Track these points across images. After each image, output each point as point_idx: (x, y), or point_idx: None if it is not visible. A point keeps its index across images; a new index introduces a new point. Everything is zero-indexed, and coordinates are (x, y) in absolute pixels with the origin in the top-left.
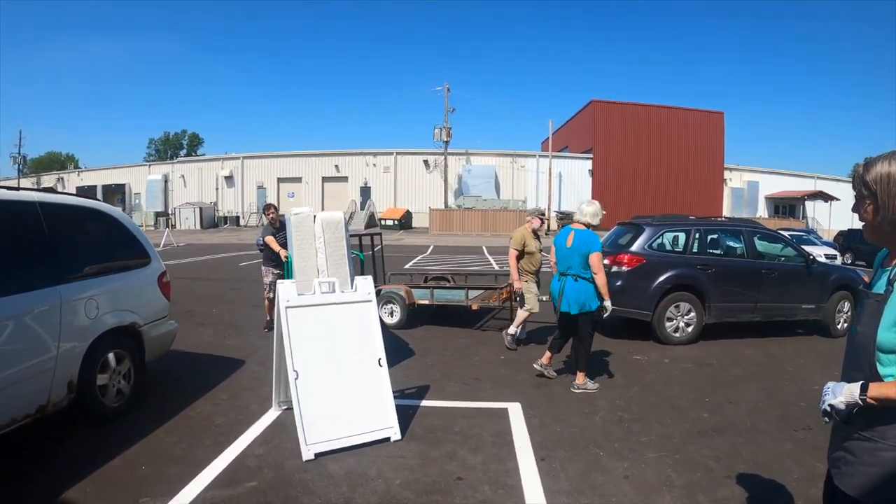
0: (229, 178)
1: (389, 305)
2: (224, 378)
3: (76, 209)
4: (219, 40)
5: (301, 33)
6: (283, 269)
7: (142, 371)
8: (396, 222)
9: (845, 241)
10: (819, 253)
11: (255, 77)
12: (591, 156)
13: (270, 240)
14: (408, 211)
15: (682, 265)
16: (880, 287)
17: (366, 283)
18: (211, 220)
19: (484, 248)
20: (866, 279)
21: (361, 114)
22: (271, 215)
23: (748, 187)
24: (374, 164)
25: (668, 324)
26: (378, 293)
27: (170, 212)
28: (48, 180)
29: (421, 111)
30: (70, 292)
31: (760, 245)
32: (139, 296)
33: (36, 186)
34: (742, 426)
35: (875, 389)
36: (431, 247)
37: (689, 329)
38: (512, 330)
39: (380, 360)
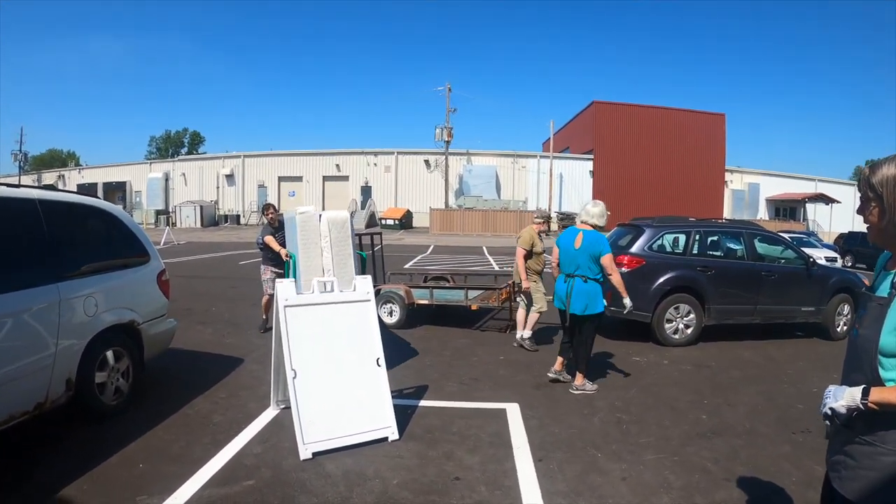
0: (230, 177)
1: (389, 305)
2: (223, 377)
3: (76, 207)
4: (221, 39)
5: (303, 33)
6: (284, 268)
7: (140, 369)
8: (397, 222)
9: (846, 243)
10: (819, 255)
11: (257, 76)
12: (592, 157)
13: (270, 240)
14: (408, 211)
15: (682, 267)
16: (883, 290)
17: (364, 283)
18: (211, 218)
19: (484, 248)
20: (867, 282)
21: (362, 113)
22: (270, 215)
23: (749, 189)
24: (375, 164)
25: (667, 325)
26: (377, 293)
27: (170, 210)
28: (49, 178)
29: (422, 111)
30: (69, 290)
31: (760, 247)
32: (138, 294)
33: (37, 184)
34: (740, 428)
35: (876, 394)
36: (432, 247)
37: (689, 331)
38: (528, 333)
39: (378, 359)
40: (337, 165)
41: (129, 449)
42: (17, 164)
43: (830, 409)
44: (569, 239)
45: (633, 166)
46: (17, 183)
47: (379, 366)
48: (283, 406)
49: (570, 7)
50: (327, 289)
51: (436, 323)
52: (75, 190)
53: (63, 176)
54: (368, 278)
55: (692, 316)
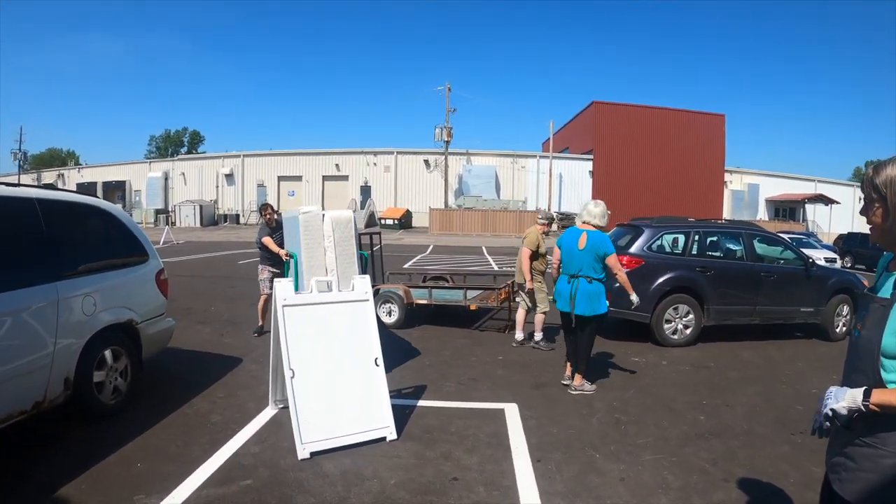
0: (230, 176)
1: (387, 305)
2: (221, 376)
3: (74, 206)
4: (221, 39)
5: (303, 32)
6: (281, 268)
7: (139, 368)
8: (396, 222)
9: (845, 244)
10: (819, 256)
11: (257, 75)
12: (591, 157)
13: (268, 241)
14: (408, 210)
15: (681, 267)
16: (886, 291)
17: (363, 283)
18: (211, 217)
19: (483, 248)
20: (866, 283)
21: (362, 113)
22: (268, 215)
23: (748, 190)
24: (375, 164)
25: (666, 326)
26: (376, 292)
27: (170, 209)
28: (49, 177)
29: (422, 111)
30: (67, 289)
31: (760, 248)
32: (137, 293)
33: (36, 183)
34: (739, 429)
35: (878, 395)
36: (431, 246)
37: (688, 331)
38: (539, 335)
39: (376, 359)
40: (336, 165)
41: (127, 448)
42: (16, 163)
43: (831, 409)
44: (572, 239)
45: (632, 166)
46: (16, 182)
47: (377, 365)
48: (281, 406)
49: (570, 7)
50: (325, 288)
51: (434, 323)
52: (75, 189)
53: (62, 175)
54: (367, 278)
55: (691, 316)
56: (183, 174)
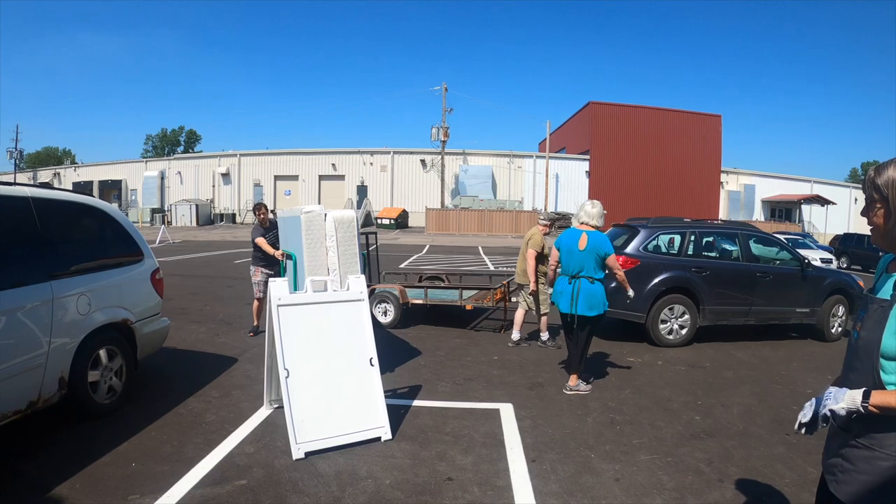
0: (226, 176)
1: (383, 304)
2: (216, 376)
3: (69, 205)
4: (217, 37)
5: (300, 32)
6: (276, 268)
7: (133, 368)
8: (393, 221)
9: (841, 245)
10: (815, 257)
11: (254, 75)
12: (588, 157)
13: (262, 241)
14: (404, 210)
15: (677, 267)
16: (885, 293)
17: (358, 282)
18: (207, 217)
19: (480, 248)
20: (861, 283)
21: (359, 113)
22: (262, 215)
23: (745, 190)
24: (371, 163)
25: (661, 326)
26: (372, 292)
27: (166, 208)
28: (45, 175)
29: (418, 111)
30: (62, 288)
31: (755, 248)
32: (132, 292)
33: (32, 182)
34: (734, 429)
35: (877, 397)
36: (427, 246)
37: (683, 331)
38: (545, 336)
39: (371, 359)
40: (333, 165)
41: (122, 448)
42: (12, 161)
43: (830, 410)
44: (572, 240)
45: (629, 167)
46: (11, 181)
47: (372, 365)
48: (276, 405)
49: (567, 7)
50: (321, 288)
51: (430, 323)
52: (71, 188)
53: (59, 174)
54: (362, 277)
55: (687, 317)
56: (179, 173)
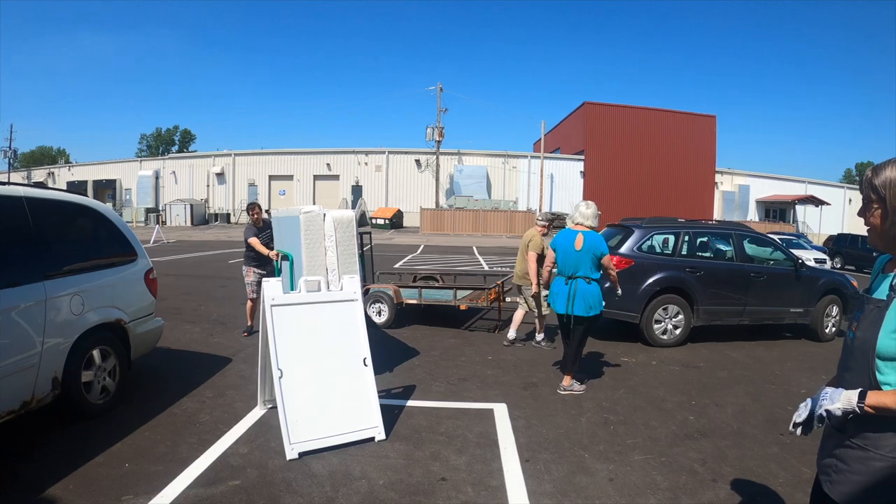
0: (220, 175)
1: (377, 304)
2: (210, 376)
3: (63, 205)
4: (213, 37)
5: (295, 32)
6: (269, 269)
7: (127, 368)
8: (387, 221)
9: (835, 245)
10: (809, 257)
11: (249, 74)
12: (582, 157)
13: (255, 241)
14: (399, 210)
15: (671, 268)
16: (882, 293)
17: (351, 283)
18: (201, 216)
19: (474, 248)
20: (855, 284)
21: (353, 112)
22: (255, 215)
23: (739, 191)
24: (366, 163)
25: (656, 326)
26: (366, 292)
27: (160, 208)
28: (39, 175)
29: (413, 111)
30: (55, 288)
31: (749, 248)
32: (125, 292)
33: (27, 181)
34: (728, 429)
35: (873, 397)
36: (422, 246)
37: (677, 331)
38: (540, 336)
39: (365, 359)
40: (328, 164)
41: (115, 448)
42: (6, 160)
43: (826, 410)
44: (568, 241)
45: (623, 167)
46: (5, 180)
47: (366, 365)
48: (270, 406)
49: (563, 8)
50: (314, 288)
51: (424, 323)
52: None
53: (53, 173)
54: (356, 277)
55: (681, 317)
56: (174, 173)
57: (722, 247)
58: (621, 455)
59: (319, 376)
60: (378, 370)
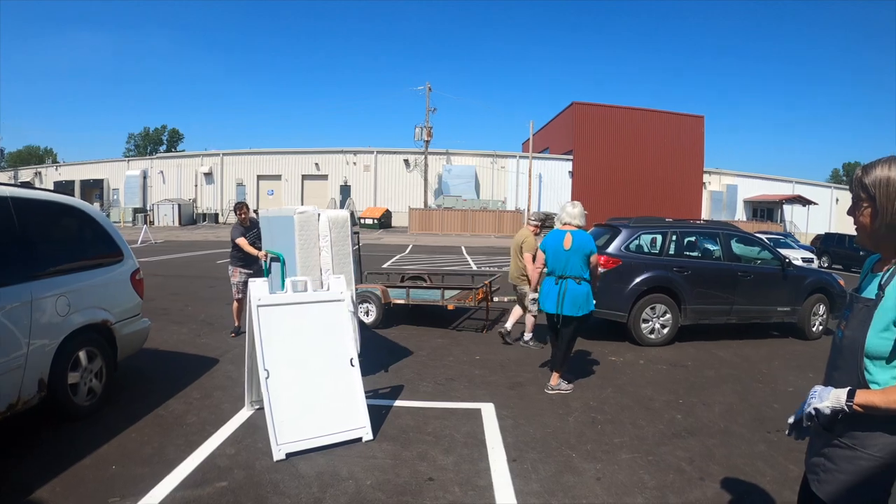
0: (209, 175)
1: (365, 304)
2: (197, 377)
3: (49, 205)
4: (201, 36)
5: (284, 31)
6: (255, 269)
7: (114, 369)
8: (376, 221)
9: (822, 244)
10: (796, 256)
11: (237, 74)
12: (571, 157)
13: (243, 241)
14: (387, 210)
15: (658, 267)
16: (870, 292)
17: (338, 283)
18: (189, 216)
19: (463, 248)
20: (842, 282)
21: (342, 112)
22: (243, 214)
23: (727, 191)
24: (355, 163)
25: (643, 325)
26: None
27: (148, 208)
28: (26, 174)
29: (402, 111)
30: (41, 289)
31: (737, 248)
32: (111, 293)
33: (13, 181)
34: (715, 428)
35: (862, 396)
36: (410, 246)
37: (665, 331)
38: (528, 335)
39: (352, 359)
40: (316, 164)
41: (102, 450)
42: None
43: (815, 409)
44: (557, 241)
45: (612, 167)
46: None
47: (353, 366)
48: (257, 407)
49: (552, 8)
50: (301, 288)
51: (412, 323)
52: (52, 187)
53: (40, 173)
54: (342, 278)
55: (668, 316)
56: (162, 173)
57: (709, 246)
58: (609, 454)
59: (306, 377)
60: (365, 370)
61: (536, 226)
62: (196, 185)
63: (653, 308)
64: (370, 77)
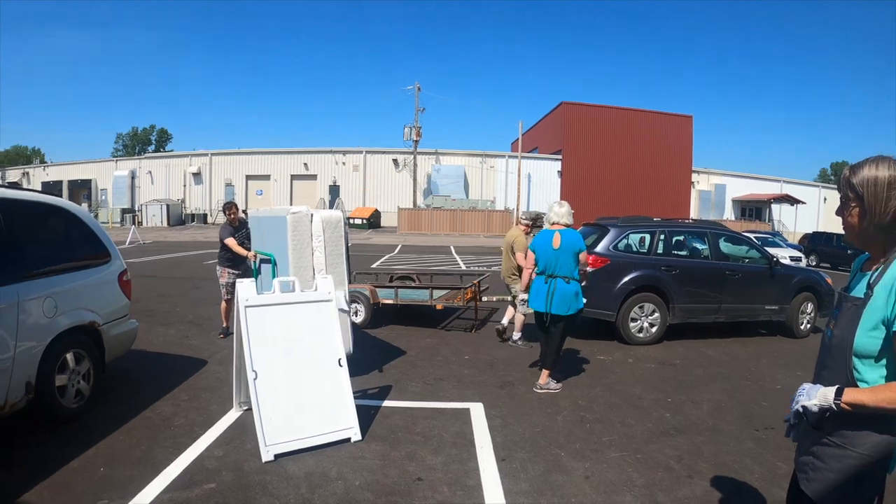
0: (197, 175)
1: (354, 305)
2: (185, 378)
3: (36, 205)
4: (189, 36)
5: (271, 31)
6: (243, 269)
7: (101, 371)
8: (365, 221)
9: (810, 243)
10: (784, 255)
11: (225, 74)
12: (560, 157)
13: (231, 242)
14: (376, 210)
15: (647, 266)
16: (859, 291)
17: (325, 283)
18: (178, 217)
19: (452, 248)
20: (829, 281)
21: (331, 112)
22: (232, 214)
23: (715, 190)
24: (344, 163)
25: (632, 324)
26: None
27: (136, 208)
28: (13, 175)
29: (391, 111)
30: (28, 291)
31: (725, 247)
32: (99, 294)
33: (0, 181)
34: (704, 426)
35: (850, 395)
36: (399, 246)
37: (653, 329)
38: (517, 335)
39: (340, 360)
40: (305, 164)
41: (90, 453)
42: None
43: (802, 406)
44: (546, 241)
45: (601, 167)
46: None
47: (341, 366)
48: (245, 408)
49: (541, 9)
50: (288, 288)
51: (401, 323)
52: (40, 188)
53: (27, 173)
54: (330, 278)
55: (657, 315)
56: (150, 173)
57: (698, 245)
58: (597, 453)
59: (294, 377)
60: (354, 370)
61: (527, 225)
62: (185, 186)
63: (641, 307)
64: (359, 77)
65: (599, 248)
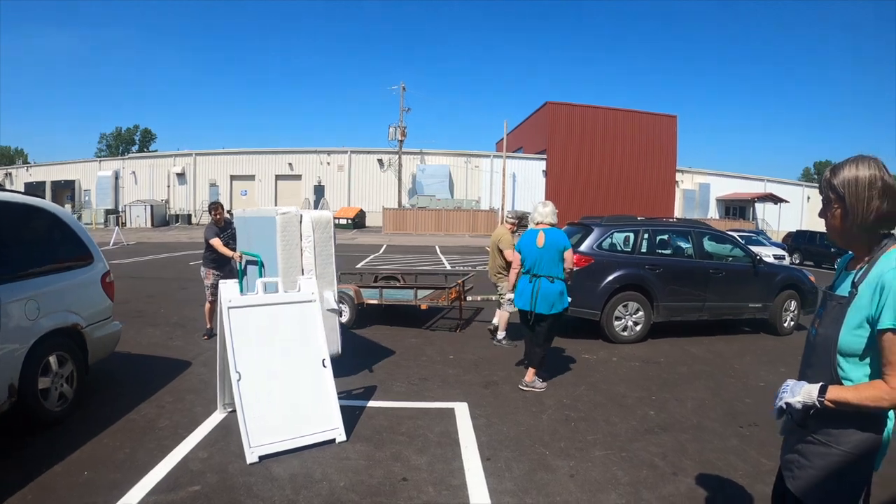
0: (181, 176)
1: (339, 305)
2: (169, 380)
3: (16, 206)
4: (173, 36)
5: (256, 31)
6: (228, 269)
7: (85, 373)
8: (350, 221)
9: (794, 241)
10: (768, 253)
11: (210, 74)
12: (545, 157)
13: (217, 242)
14: (361, 210)
15: (631, 265)
16: (844, 290)
17: (309, 284)
18: (162, 218)
19: (437, 247)
20: (812, 279)
21: (316, 112)
22: (217, 214)
23: (700, 189)
24: (328, 163)
25: (616, 323)
26: None
27: (120, 209)
28: None
29: (376, 110)
30: (9, 293)
31: (708, 245)
32: (82, 296)
33: None
34: (688, 423)
35: (834, 392)
36: (384, 246)
37: (638, 328)
38: (501, 334)
39: (324, 360)
40: (290, 164)
41: (74, 456)
42: None
43: (786, 403)
44: (531, 240)
45: (585, 166)
46: None
47: (325, 367)
48: (230, 409)
49: (526, 9)
50: (272, 289)
51: (386, 323)
52: (23, 189)
53: (10, 174)
54: (313, 279)
55: (641, 313)
56: (134, 173)
57: (681, 244)
58: (582, 451)
59: (278, 378)
60: (338, 371)
61: (513, 223)
62: (169, 186)
63: (625, 306)
64: (344, 77)
65: (583, 247)
